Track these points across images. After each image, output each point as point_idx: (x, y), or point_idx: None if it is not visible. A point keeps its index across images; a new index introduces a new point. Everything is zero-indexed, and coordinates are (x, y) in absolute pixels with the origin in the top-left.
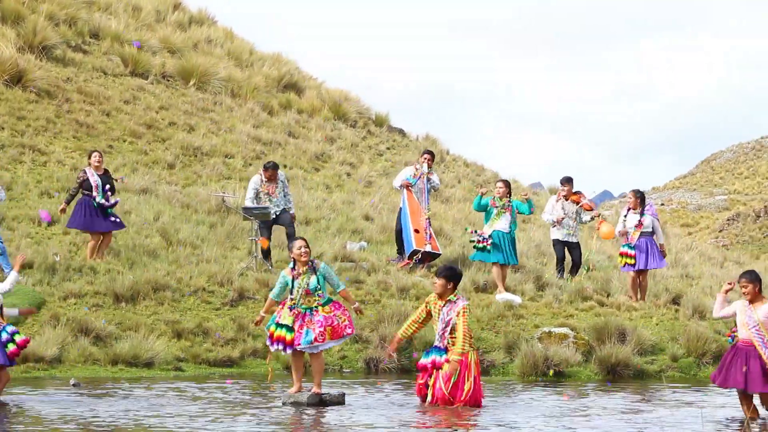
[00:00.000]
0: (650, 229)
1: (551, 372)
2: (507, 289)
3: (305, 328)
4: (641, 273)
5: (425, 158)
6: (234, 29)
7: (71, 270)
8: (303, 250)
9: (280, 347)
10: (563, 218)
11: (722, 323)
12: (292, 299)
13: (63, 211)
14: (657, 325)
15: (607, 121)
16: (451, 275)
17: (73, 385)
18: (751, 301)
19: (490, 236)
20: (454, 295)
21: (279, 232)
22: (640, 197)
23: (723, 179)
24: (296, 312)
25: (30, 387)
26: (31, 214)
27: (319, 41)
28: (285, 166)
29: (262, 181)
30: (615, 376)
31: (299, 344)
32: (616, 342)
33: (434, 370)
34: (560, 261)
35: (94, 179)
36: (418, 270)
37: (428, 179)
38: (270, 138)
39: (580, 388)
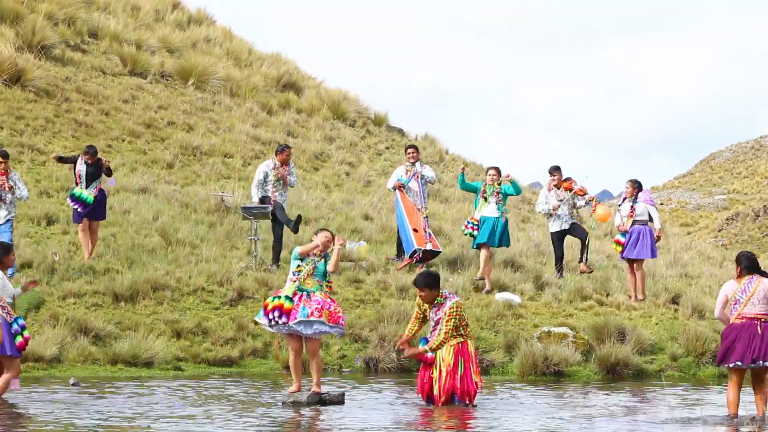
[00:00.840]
0: (644, 217)
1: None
2: (506, 289)
3: (302, 304)
4: (635, 263)
5: (410, 154)
6: (233, 29)
7: (70, 269)
8: (330, 243)
9: (277, 314)
10: (558, 206)
11: (722, 322)
12: (293, 279)
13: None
14: (656, 324)
15: (606, 120)
16: (430, 282)
17: (73, 384)
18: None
19: (479, 221)
20: (441, 296)
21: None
22: (637, 186)
23: (722, 179)
24: (294, 291)
25: (29, 386)
26: (30, 214)
27: (318, 41)
28: None
29: (275, 165)
30: (614, 375)
31: (295, 318)
32: (616, 341)
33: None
34: (559, 259)
35: (80, 167)
36: (418, 269)
37: (422, 176)
38: (269, 137)
39: (578, 386)
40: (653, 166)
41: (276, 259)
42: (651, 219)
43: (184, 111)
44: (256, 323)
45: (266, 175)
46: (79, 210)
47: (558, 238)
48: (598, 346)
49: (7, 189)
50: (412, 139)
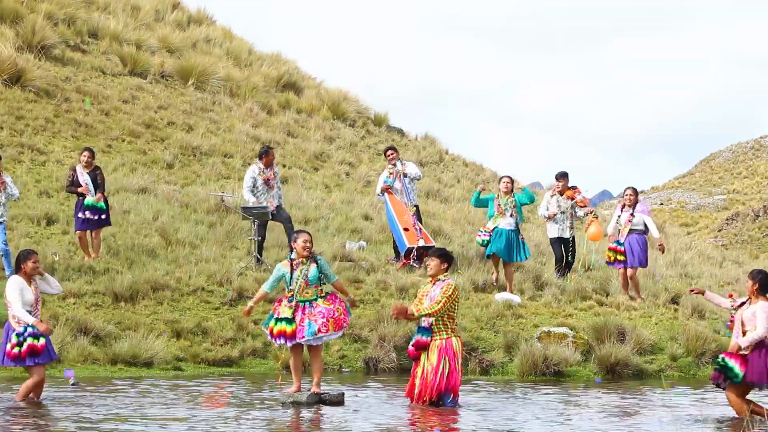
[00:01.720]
0: (640, 227)
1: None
2: (505, 289)
3: (307, 320)
4: (628, 271)
5: (390, 155)
6: (233, 29)
7: (70, 270)
8: (307, 244)
9: (282, 341)
10: (556, 213)
11: (721, 322)
12: (290, 290)
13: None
14: (656, 324)
15: (605, 120)
16: (445, 256)
17: (72, 384)
18: (755, 295)
19: (493, 230)
20: (444, 276)
21: (277, 231)
22: (636, 194)
23: (722, 179)
24: (294, 304)
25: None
26: (30, 214)
27: (318, 41)
28: (284, 166)
29: (260, 170)
30: (614, 375)
31: (303, 336)
32: (616, 341)
33: (423, 358)
34: (559, 261)
35: (83, 178)
36: (417, 269)
37: (404, 175)
38: (269, 137)
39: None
40: (653, 166)
41: (260, 253)
42: (647, 230)
43: (184, 111)
44: (255, 323)
45: (255, 181)
46: (87, 217)
47: (557, 242)
48: (597, 346)
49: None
50: (413, 139)
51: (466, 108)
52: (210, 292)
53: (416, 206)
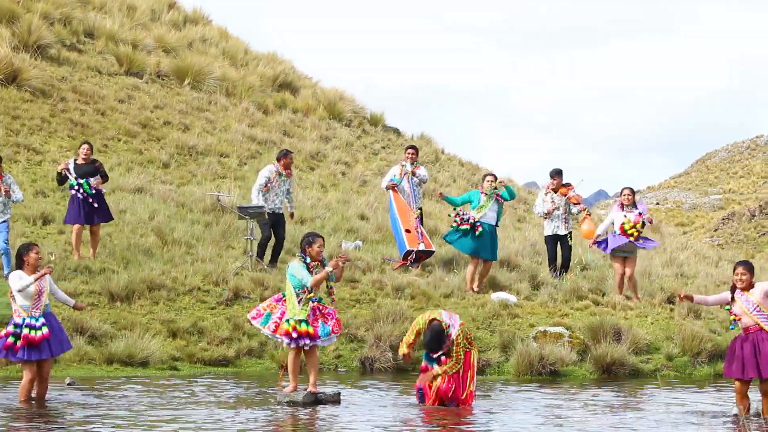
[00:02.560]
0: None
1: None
2: (502, 288)
3: (320, 321)
4: (626, 265)
5: (409, 154)
6: (229, 29)
7: (66, 269)
8: (322, 249)
9: (307, 340)
10: (553, 210)
11: (717, 322)
12: (311, 292)
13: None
14: (652, 324)
15: (601, 121)
16: (433, 347)
17: (68, 384)
18: (744, 290)
19: (477, 222)
20: (445, 327)
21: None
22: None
23: (718, 178)
24: (311, 306)
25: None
26: (26, 213)
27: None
28: None
29: (278, 172)
30: (610, 375)
31: (318, 337)
32: (612, 341)
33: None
34: (552, 261)
35: (70, 167)
36: (413, 270)
37: (413, 174)
38: (265, 137)
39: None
40: (649, 165)
41: (261, 254)
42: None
43: (180, 111)
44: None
45: (268, 180)
46: (79, 196)
47: (551, 240)
48: (593, 346)
49: (2, 192)
50: (409, 139)
51: (462, 108)
52: (206, 291)
53: (420, 209)
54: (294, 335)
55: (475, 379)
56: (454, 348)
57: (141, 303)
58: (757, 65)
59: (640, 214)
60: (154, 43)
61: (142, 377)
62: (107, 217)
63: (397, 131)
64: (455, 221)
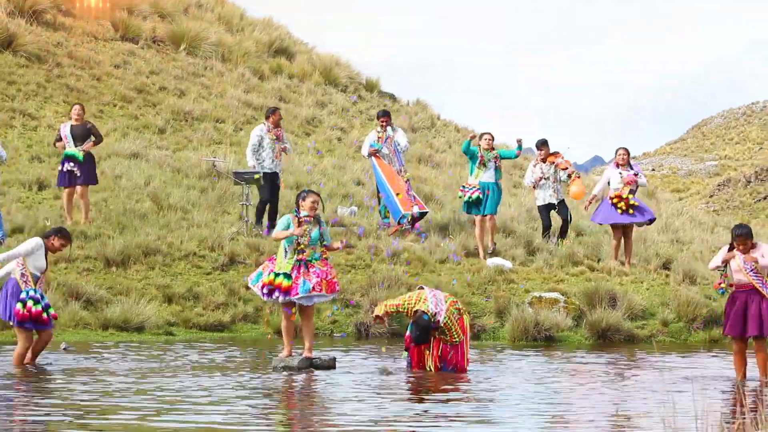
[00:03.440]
0: (643, 183)
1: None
2: (497, 254)
3: (302, 278)
4: (626, 231)
5: (382, 121)
6: None
7: None
8: (315, 204)
9: (277, 294)
10: (540, 179)
11: (711, 288)
12: (291, 247)
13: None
14: (647, 290)
15: (599, 91)
16: (426, 335)
17: (64, 349)
18: (744, 252)
19: (476, 187)
20: (430, 314)
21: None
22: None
23: (714, 145)
24: (294, 261)
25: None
26: (22, 179)
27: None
28: None
29: (269, 128)
30: (605, 340)
31: (297, 293)
32: (607, 307)
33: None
34: (546, 229)
35: (64, 131)
36: (409, 234)
37: (395, 142)
38: (261, 103)
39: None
40: (645, 132)
41: (259, 219)
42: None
43: (175, 76)
44: (248, 288)
45: (261, 140)
46: (69, 169)
47: (544, 209)
48: (589, 312)
49: None
50: (404, 104)
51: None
52: (201, 257)
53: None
54: (265, 291)
55: (468, 344)
56: (447, 331)
57: (136, 268)
58: (753, 32)
59: (636, 174)
60: (150, 9)
61: (138, 342)
62: (88, 180)
63: (392, 97)
64: (461, 197)
